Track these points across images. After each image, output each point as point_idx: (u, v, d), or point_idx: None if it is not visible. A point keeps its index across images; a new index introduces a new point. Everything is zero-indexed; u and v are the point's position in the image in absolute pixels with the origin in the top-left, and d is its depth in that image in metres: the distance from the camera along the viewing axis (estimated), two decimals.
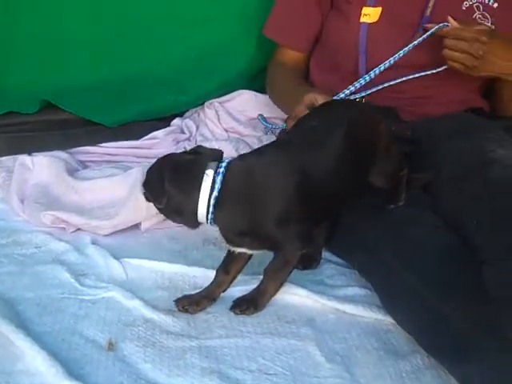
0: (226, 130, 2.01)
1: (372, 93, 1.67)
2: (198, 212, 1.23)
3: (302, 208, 1.24)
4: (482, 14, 1.71)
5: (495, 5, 1.72)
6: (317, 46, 1.86)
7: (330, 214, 1.41)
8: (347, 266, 1.51)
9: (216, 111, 2.02)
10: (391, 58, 1.58)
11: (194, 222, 1.26)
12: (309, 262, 1.51)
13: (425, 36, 1.60)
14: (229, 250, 1.32)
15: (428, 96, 1.73)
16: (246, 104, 2.06)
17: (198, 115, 2.04)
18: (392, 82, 1.65)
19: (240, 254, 1.31)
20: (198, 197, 1.22)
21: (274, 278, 1.32)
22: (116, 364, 1.17)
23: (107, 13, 1.97)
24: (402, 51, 1.57)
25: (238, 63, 1.85)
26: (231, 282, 1.35)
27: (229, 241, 1.27)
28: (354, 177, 1.33)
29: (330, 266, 1.52)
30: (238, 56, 1.89)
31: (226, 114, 2.03)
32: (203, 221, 1.25)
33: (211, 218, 1.24)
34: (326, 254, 1.56)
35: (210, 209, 1.22)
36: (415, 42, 1.60)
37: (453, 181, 1.45)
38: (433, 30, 1.60)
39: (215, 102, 2.05)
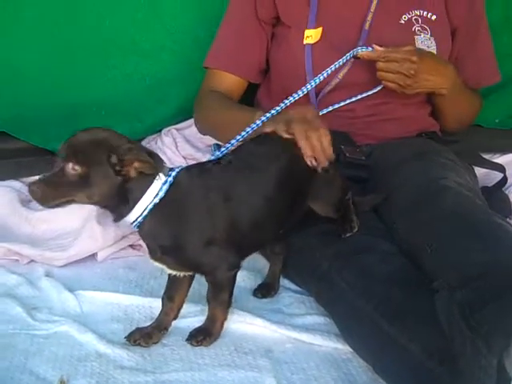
0: (185, 158, 1.99)
1: (323, 114, 1.67)
2: (133, 210, 1.19)
3: (230, 232, 1.23)
4: (421, 27, 1.75)
5: (433, 17, 1.77)
6: (266, 75, 1.86)
7: (263, 241, 1.39)
8: (306, 293, 1.50)
9: (174, 138, 2.01)
10: (316, 78, 1.58)
11: (120, 216, 1.21)
12: (267, 290, 1.50)
13: (348, 56, 1.63)
14: (169, 277, 1.31)
15: (379, 113, 1.75)
16: None
17: (156, 142, 2.03)
18: (336, 106, 1.67)
19: (179, 278, 1.29)
20: (141, 196, 1.18)
21: (217, 304, 1.30)
22: None
23: (60, 41, 1.95)
24: (325, 72, 1.58)
25: (193, 90, 1.84)
26: (179, 309, 1.34)
27: (151, 251, 1.24)
28: (289, 206, 1.33)
29: (288, 294, 1.51)
30: (194, 83, 1.88)
31: (183, 141, 2.01)
32: (130, 220, 1.21)
33: (139, 222, 1.20)
34: (284, 282, 1.55)
35: (144, 212, 1.19)
36: (340, 61, 1.62)
37: (407, 208, 1.46)
38: (354, 51, 1.63)
39: (173, 129, 2.04)
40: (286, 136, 1.33)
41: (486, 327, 1.00)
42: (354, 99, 1.68)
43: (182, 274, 1.29)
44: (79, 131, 1.19)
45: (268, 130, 1.36)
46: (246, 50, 1.78)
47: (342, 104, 1.67)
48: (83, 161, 1.14)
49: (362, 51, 1.64)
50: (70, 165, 1.14)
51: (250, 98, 1.89)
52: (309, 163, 1.33)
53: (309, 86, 1.57)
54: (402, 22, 1.75)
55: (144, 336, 1.31)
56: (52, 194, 1.16)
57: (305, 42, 1.71)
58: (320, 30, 1.71)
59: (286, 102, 1.50)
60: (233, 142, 1.38)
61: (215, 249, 1.23)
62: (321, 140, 1.33)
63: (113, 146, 1.16)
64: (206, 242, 1.22)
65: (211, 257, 1.24)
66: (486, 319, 1.02)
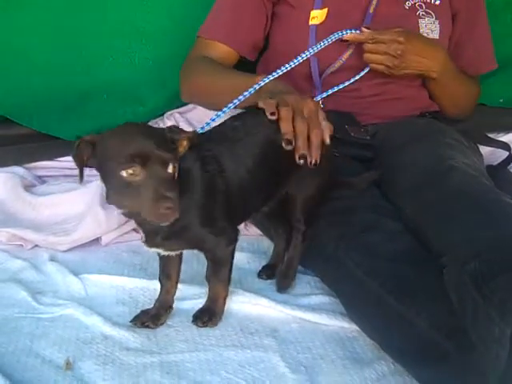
0: None
1: (328, 96, 1.68)
2: None
3: (226, 205, 1.23)
4: (425, 12, 1.75)
5: (437, 2, 1.77)
6: (264, 55, 1.84)
7: (252, 210, 1.38)
8: (311, 273, 1.50)
9: (176, 122, 2.00)
10: (297, 58, 1.55)
11: None
12: (272, 271, 1.50)
13: (334, 37, 1.62)
14: (161, 257, 1.30)
15: (383, 92, 1.75)
16: (207, 113, 2.03)
17: (158, 126, 2.01)
18: (330, 91, 1.67)
19: (172, 256, 1.29)
20: None
21: (217, 281, 1.29)
22: None
23: (62, 27, 1.93)
24: (308, 52, 1.57)
25: None
26: (177, 285, 1.33)
27: (149, 238, 1.21)
28: (271, 180, 1.32)
29: None
30: None
31: (187, 124, 2.00)
32: None
33: None
34: None
35: None
36: (325, 41, 1.61)
37: (413, 188, 1.45)
38: (342, 32, 1.63)
39: (175, 112, 2.03)
40: (271, 118, 1.30)
41: (499, 295, 0.99)
42: (341, 86, 1.67)
43: (175, 253, 1.29)
44: (117, 132, 1.11)
45: (261, 104, 1.33)
46: (243, 23, 1.75)
47: (330, 92, 1.67)
48: (173, 156, 1.10)
49: (349, 33, 1.64)
50: (171, 166, 1.08)
51: None
52: (296, 159, 1.29)
53: (299, 59, 1.55)
54: (407, 6, 1.75)
55: (152, 318, 1.30)
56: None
57: (310, 22, 1.70)
58: (325, 11, 1.70)
59: (287, 66, 1.50)
60: (225, 109, 1.36)
61: (216, 223, 1.23)
62: (319, 137, 1.31)
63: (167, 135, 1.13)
64: (209, 217, 1.22)
65: (213, 232, 1.23)
66: (499, 288, 1.01)
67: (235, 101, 1.37)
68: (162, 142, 1.10)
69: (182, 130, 1.17)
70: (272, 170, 1.31)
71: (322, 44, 1.60)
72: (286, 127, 1.29)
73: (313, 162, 1.29)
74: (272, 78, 1.43)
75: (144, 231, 1.22)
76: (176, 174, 1.10)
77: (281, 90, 1.39)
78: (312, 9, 1.70)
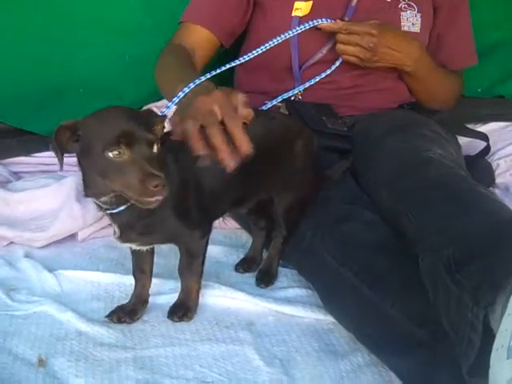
0: None
1: (307, 88, 1.68)
2: None
3: (198, 197, 1.22)
4: (407, 4, 1.75)
5: None
6: (244, 46, 1.83)
7: (225, 208, 1.37)
8: (288, 266, 1.49)
9: None
10: (268, 43, 1.54)
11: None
12: (248, 265, 1.49)
13: (308, 25, 1.61)
14: (133, 252, 1.29)
15: (361, 84, 1.75)
16: None
17: None
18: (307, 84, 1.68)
19: (141, 250, 1.27)
20: None
21: (190, 274, 1.29)
22: (46, 381, 1.12)
23: (36, 20, 1.91)
24: (271, 42, 1.54)
25: None
26: (151, 279, 1.32)
27: (123, 233, 1.19)
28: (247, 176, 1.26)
29: None
30: None
31: None
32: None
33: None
34: (265, 255, 1.53)
35: None
36: (298, 29, 1.60)
37: (390, 179, 1.45)
38: (316, 21, 1.62)
39: (153, 106, 2.00)
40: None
41: (472, 281, 0.99)
42: (318, 78, 1.68)
43: (147, 248, 1.28)
44: (100, 115, 1.08)
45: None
46: (225, 9, 1.73)
47: (308, 85, 1.67)
48: (157, 137, 1.09)
49: (323, 22, 1.63)
50: (155, 146, 1.08)
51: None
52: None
53: (268, 44, 1.54)
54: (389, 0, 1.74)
55: (128, 313, 1.30)
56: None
57: (293, 13, 1.69)
58: (310, 3, 1.69)
59: (254, 52, 1.50)
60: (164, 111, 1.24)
61: (191, 215, 1.22)
62: (239, 128, 1.13)
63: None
64: (184, 209, 1.21)
65: (187, 224, 1.23)
66: (472, 274, 1.01)
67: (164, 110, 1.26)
68: (145, 123, 1.09)
69: (155, 114, 1.17)
70: (246, 171, 1.21)
71: (294, 31, 1.59)
72: (193, 145, 1.11)
73: (245, 152, 1.13)
74: (193, 86, 1.24)
75: (119, 227, 1.20)
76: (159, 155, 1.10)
77: (190, 103, 1.20)
78: (296, 0, 1.69)
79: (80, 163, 1.12)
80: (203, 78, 1.27)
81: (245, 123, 1.14)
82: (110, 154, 1.05)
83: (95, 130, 1.07)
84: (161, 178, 1.04)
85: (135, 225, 1.18)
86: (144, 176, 1.04)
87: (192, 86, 1.24)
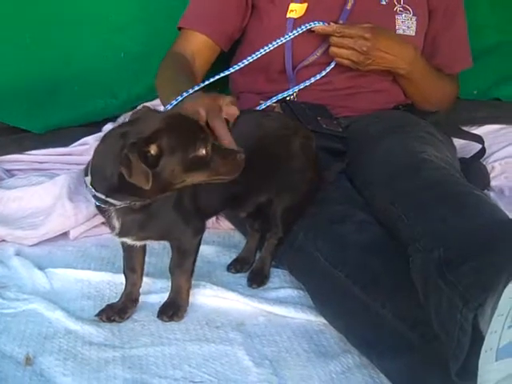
0: None
1: (303, 89, 1.68)
2: None
3: (192, 195, 1.23)
4: (402, 7, 1.75)
5: None
6: (239, 49, 1.82)
7: (218, 208, 1.39)
8: (280, 267, 1.48)
9: None
10: (263, 48, 1.58)
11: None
12: (241, 265, 1.49)
13: (302, 29, 1.62)
14: (125, 250, 1.29)
15: (357, 85, 1.75)
16: None
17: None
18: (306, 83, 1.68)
19: (136, 248, 1.28)
20: None
21: (181, 272, 1.28)
22: (33, 379, 1.10)
23: (32, 16, 1.91)
24: (267, 47, 1.58)
25: None
26: (142, 277, 1.32)
27: (124, 228, 1.19)
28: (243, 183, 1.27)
29: None
30: None
31: None
32: None
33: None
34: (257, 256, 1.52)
35: None
36: (294, 32, 1.62)
37: (385, 180, 1.45)
38: (310, 24, 1.63)
39: (148, 104, 2.00)
40: None
41: (463, 283, 0.98)
42: (312, 80, 1.68)
43: (140, 244, 1.27)
44: (178, 129, 1.13)
45: None
46: (224, 13, 1.73)
47: (302, 86, 1.68)
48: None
49: (317, 25, 1.63)
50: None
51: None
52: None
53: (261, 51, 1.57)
54: (384, 2, 1.75)
55: (118, 312, 1.29)
56: None
57: (288, 15, 1.69)
58: (305, 5, 1.69)
59: (248, 58, 1.53)
60: None
61: (185, 208, 1.22)
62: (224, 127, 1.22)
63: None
64: (180, 202, 1.21)
65: (182, 217, 1.23)
66: (463, 275, 1.00)
67: None
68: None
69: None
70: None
71: (290, 35, 1.60)
72: None
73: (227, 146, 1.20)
74: (186, 95, 1.36)
75: (121, 221, 1.19)
76: None
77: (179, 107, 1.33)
78: (291, 1, 1.70)
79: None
80: (196, 88, 1.38)
81: (228, 121, 1.23)
82: (203, 152, 1.13)
83: (179, 139, 1.11)
84: (240, 148, 1.16)
85: (135, 218, 1.18)
86: (233, 155, 1.16)
87: (185, 94, 1.35)
